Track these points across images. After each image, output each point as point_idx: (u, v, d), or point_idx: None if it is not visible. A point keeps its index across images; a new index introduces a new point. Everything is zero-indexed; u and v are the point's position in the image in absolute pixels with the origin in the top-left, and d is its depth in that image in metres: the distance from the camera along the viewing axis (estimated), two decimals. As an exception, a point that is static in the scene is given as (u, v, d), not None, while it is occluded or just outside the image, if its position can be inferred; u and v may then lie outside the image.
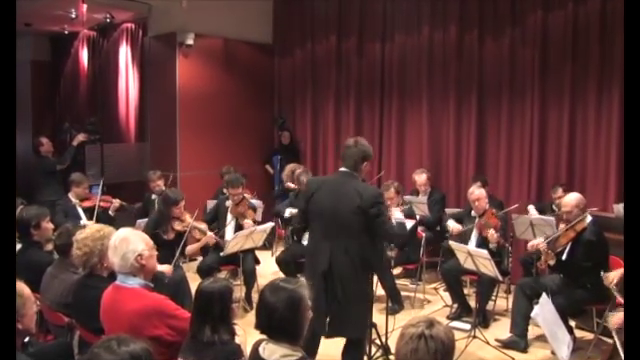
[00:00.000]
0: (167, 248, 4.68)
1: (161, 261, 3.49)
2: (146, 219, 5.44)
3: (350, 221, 3.44)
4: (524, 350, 4.48)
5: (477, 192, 5.29)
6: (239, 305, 5.27)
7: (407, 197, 6.14)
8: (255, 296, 5.10)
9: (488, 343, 4.50)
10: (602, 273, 4.10)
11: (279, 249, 6.71)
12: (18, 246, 3.92)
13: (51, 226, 4.02)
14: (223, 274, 5.84)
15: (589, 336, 4.60)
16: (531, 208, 5.71)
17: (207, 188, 6.92)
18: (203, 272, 5.18)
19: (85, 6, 7.25)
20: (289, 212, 6.10)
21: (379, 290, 5.05)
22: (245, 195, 5.76)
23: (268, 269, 6.25)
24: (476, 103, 6.57)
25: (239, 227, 5.47)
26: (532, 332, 4.60)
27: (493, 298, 5.24)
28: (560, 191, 5.59)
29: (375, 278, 4.45)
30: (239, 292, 5.26)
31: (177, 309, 2.71)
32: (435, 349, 1.78)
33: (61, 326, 3.30)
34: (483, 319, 5.01)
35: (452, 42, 6.70)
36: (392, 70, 7.30)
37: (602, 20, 5.64)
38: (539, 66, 6.06)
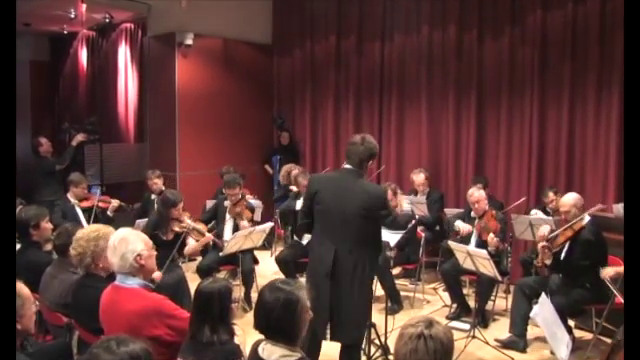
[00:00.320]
0: (166, 249, 4.68)
1: (160, 262, 3.50)
2: (145, 219, 5.44)
3: (356, 221, 3.37)
4: (523, 350, 4.48)
5: (477, 194, 5.29)
6: (238, 305, 5.27)
7: (406, 197, 6.14)
8: (254, 296, 5.10)
9: (487, 343, 4.50)
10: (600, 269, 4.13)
11: (278, 249, 6.71)
12: (17, 246, 3.92)
13: (50, 226, 4.02)
14: (222, 274, 5.84)
15: (588, 336, 4.60)
16: (533, 212, 5.70)
17: (207, 188, 6.92)
18: (202, 272, 5.18)
19: (84, 6, 7.25)
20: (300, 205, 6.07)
21: (379, 290, 5.05)
22: (245, 195, 5.75)
23: (268, 269, 6.25)
24: (475, 102, 6.57)
25: (237, 227, 5.48)
26: (531, 332, 4.60)
27: (492, 298, 5.25)
28: (551, 194, 5.59)
29: (375, 278, 4.45)
30: (238, 292, 5.26)
31: (176, 309, 2.71)
32: (434, 349, 1.78)
33: (60, 326, 3.29)
34: (482, 319, 5.01)
35: (451, 42, 6.70)
36: (391, 70, 7.30)
37: (601, 20, 5.64)
38: (538, 65, 6.06)
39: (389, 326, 4.29)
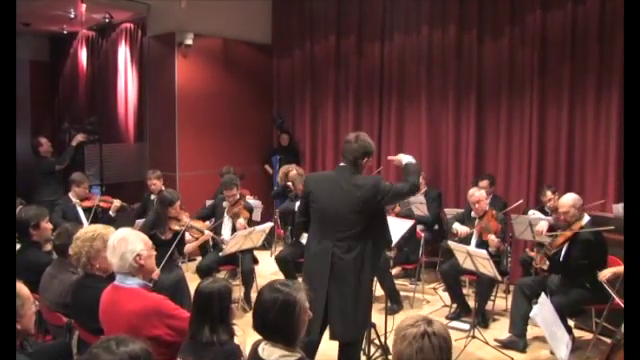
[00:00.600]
0: (165, 248, 4.68)
1: (159, 261, 3.50)
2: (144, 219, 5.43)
3: (352, 220, 3.36)
4: (523, 350, 4.48)
5: (477, 194, 5.29)
6: (238, 305, 5.27)
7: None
8: (254, 296, 5.08)
9: (487, 343, 4.51)
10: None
11: (278, 249, 6.71)
12: (17, 246, 3.92)
13: (50, 226, 4.02)
14: (222, 274, 5.84)
15: (588, 336, 4.61)
16: (530, 212, 5.71)
17: (206, 188, 6.92)
18: (202, 272, 5.18)
19: (84, 6, 7.25)
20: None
21: (378, 290, 5.05)
22: (244, 196, 5.75)
23: (267, 269, 6.25)
24: (475, 103, 6.57)
25: (235, 228, 5.48)
26: (531, 332, 4.60)
27: (492, 298, 5.25)
28: (549, 193, 5.57)
29: (374, 278, 4.44)
30: (238, 292, 5.27)
31: (176, 309, 2.70)
32: (439, 345, 1.78)
33: (60, 326, 3.29)
34: (482, 319, 5.01)
35: (451, 42, 6.70)
36: (391, 70, 7.30)
37: (601, 20, 5.64)
38: (538, 65, 6.06)
39: (389, 326, 4.29)
